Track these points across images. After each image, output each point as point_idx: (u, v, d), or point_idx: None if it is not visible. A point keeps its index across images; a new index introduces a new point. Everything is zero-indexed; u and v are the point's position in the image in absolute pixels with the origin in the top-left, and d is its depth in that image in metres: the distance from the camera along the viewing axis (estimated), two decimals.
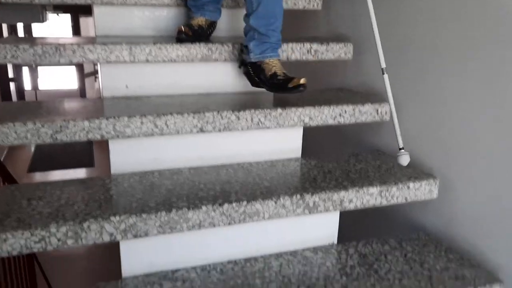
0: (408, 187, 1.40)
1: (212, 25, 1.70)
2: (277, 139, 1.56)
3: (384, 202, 1.38)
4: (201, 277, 1.24)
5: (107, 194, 1.28)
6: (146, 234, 1.17)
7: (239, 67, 1.63)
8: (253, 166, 1.49)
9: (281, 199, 1.27)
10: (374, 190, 1.36)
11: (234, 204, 1.22)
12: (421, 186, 1.41)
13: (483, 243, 1.36)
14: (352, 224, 1.68)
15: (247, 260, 1.32)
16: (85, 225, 1.11)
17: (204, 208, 1.20)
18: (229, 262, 1.31)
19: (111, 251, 1.33)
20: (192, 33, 1.61)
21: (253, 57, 1.54)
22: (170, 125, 1.38)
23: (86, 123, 1.30)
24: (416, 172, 1.48)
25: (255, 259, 1.33)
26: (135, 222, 1.15)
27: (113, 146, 1.39)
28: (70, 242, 1.11)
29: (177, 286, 1.19)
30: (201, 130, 1.42)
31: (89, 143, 7.13)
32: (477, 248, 1.37)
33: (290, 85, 1.46)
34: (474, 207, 1.38)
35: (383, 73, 1.45)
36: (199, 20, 1.66)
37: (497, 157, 1.28)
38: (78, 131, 1.30)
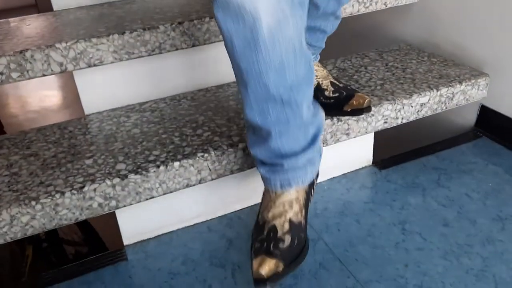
0: None
1: (309, 197, 0.91)
2: None
3: (362, 9, 1.26)
4: (171, 106, 1.15)
5: (50, 27, 1.13)
6: (101, 62, 1.04)
7: None
8: None
9: None
10: None
11: (195, 21, 1.09)
12: None
13: (467, 42, 1.27)
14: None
15: (219, 86, 1.23)
16: (28, 54, 0.97)
17: (162, 27, 1.06)
18: (200, 90, 1.22)
19: None
20: (285, 259, 0.81)
21: None
22: None
23: None
24: None
25: (228, 85, 1.24)
26: (85, 48, 1.01)
27: None
28: (15, 75, 0.98)
29: (146, 116, 1.11)
30: None
31: None
32: (461, 49, 1.29)
33: (345, 108, 1.02)
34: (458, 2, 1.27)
35: None
36: (286, 201, 0.85)
37: None
38: None
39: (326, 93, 1.03)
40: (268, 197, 0.86)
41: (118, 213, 0.97)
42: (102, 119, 1.11)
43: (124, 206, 0.92)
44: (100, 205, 0.89)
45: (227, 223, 1.05)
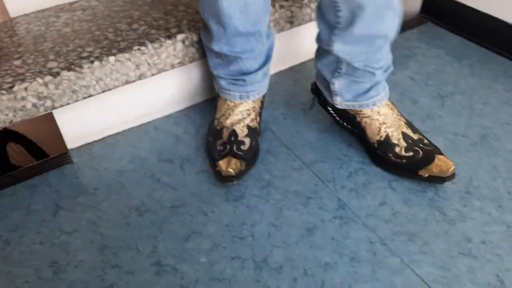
0: None
1: (262, 105, 0.98)
2: None
3: None
4: (103, 3, 1.07)
5: None
6: None
7: (310, 107, 1.01)
8: None
9: None
10: None
11: None
12: None
13: None
14: None
15: None
16: None
17: None
18: None
19: None
20: (246, 159, 0.87)
21: (340, 103, 0.89)
22: None
23: None
24: None
25: None
26: None
27: None
28: None
29: (77, 15, 1.04)
30: None
31: None
32: None
33: (422, 173, 0.83)
34: None
35: None
36: (244, 110, 0.92)
37: None
38: None
39: (397, 149, 0.85)
40: (226, 106, 0.92)
41: (57, 115, 0.93)
42: (29, 21, 1.03)
43: (61, 106, 0.88)
44: (34, 105, 0.85)
45: (174, 122, 1.04)
